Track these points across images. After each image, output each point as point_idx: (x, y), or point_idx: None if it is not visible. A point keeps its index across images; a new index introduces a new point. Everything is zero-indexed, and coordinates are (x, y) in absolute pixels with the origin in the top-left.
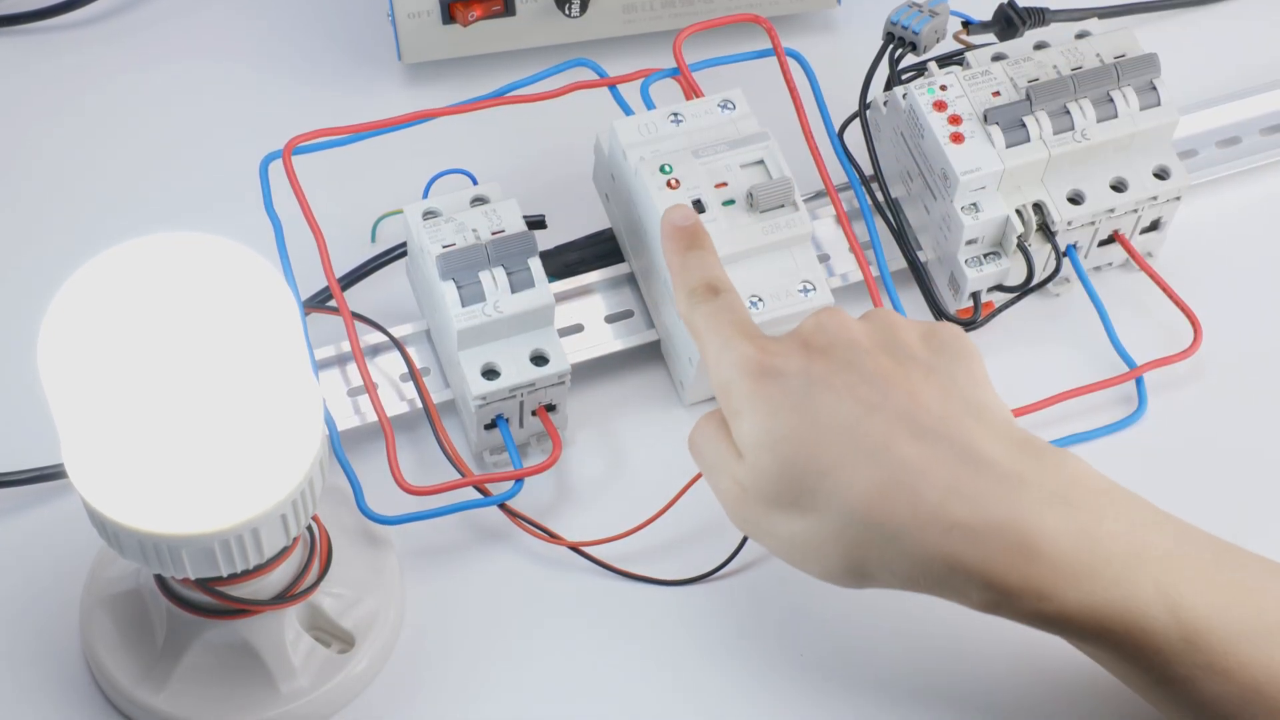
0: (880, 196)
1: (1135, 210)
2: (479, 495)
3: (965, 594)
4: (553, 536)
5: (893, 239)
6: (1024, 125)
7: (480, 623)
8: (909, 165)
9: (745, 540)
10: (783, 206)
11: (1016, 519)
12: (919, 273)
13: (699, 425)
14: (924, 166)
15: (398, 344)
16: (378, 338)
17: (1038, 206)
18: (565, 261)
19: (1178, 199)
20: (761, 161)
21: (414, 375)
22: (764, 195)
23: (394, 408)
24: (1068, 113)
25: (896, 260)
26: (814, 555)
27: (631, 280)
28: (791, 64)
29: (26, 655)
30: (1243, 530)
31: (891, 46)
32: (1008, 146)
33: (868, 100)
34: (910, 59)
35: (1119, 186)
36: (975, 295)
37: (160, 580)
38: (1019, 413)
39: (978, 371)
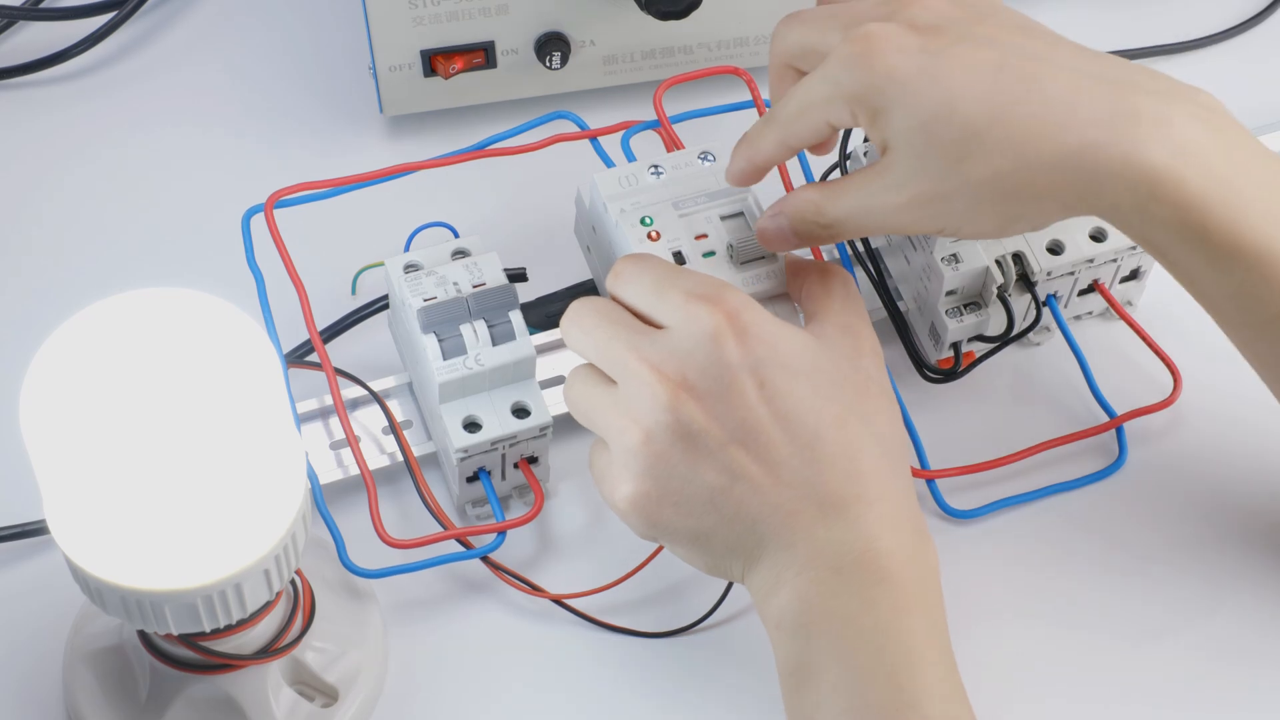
0: (860, 247)
1: (1115, 259)
2: (461, 548)
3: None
4: (535, 589)
5: (873, 289)
6: None
7: (463, 675)
8: None
9: (728, 592)
10: (763, 259)
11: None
12: (900, 322)
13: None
14: None
15: (379, 399)
16: (360, 390)
17: (1017, 257)
18: (547, 313)
19: None
20: (741, 214)
21: (395, 429)
22: (744, 248)
23: (376, 461)
24: None
25: (877, 310)
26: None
27: None
28: None
29: (9, 710)
30: (1220, 579)
31: None
32: None
33: (848, 151)
34: None
35: (1098, 236)
36: (956, 345)
37: (143, 635)
38: (999, 463)
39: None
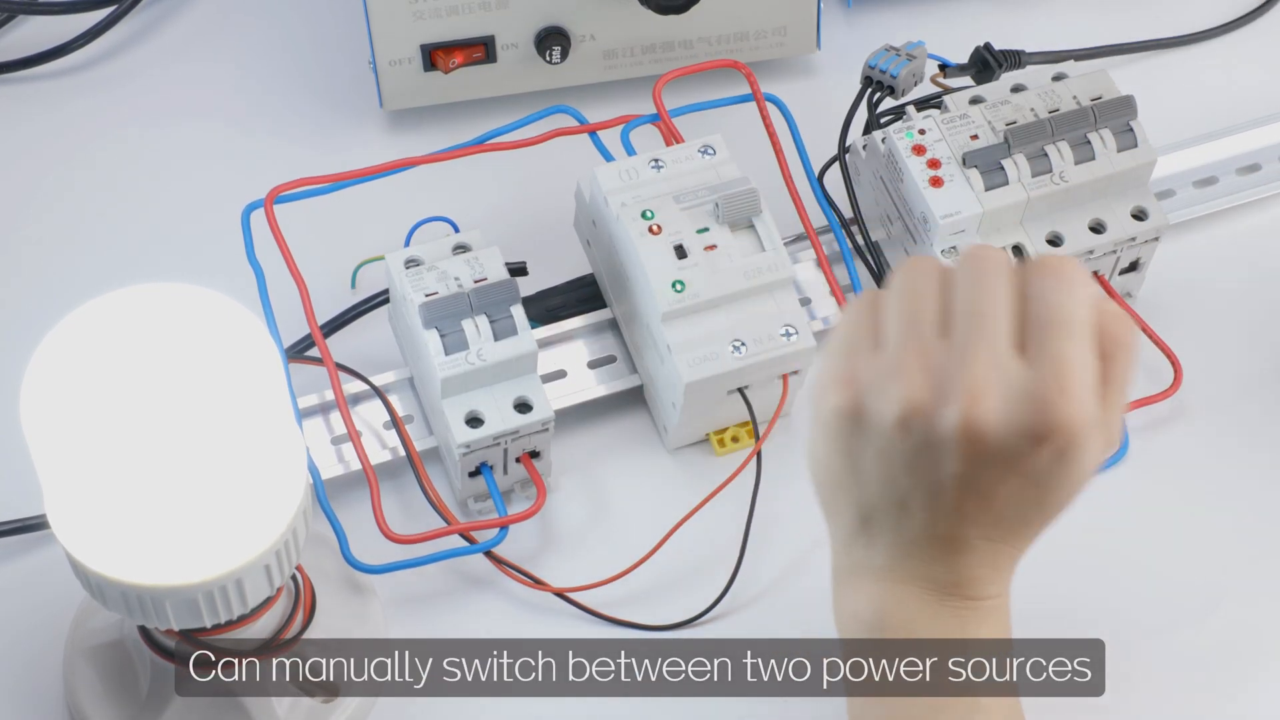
0: (860, 239)
1: (1114, 251)
2: (464, 543)
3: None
4: (538, 583)
5: (874, 282)
6: (1002, 168)
7: (464, 670)
8: (889, 208)
9: (729, 586)
10: (764, 250)
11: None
12: None
13: None
14: (903, 210)
15: (380, 394)
16: (361, 385)
17: (1017, 249)
18: (547, 306)
19: (1156, 239)
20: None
21: (397, 424)
22: (730, 207)
23: (378, 456)
24: (1045, 155)
25: None
26: None
27: (613, 326)
28: (771, 109)
29: (9, 707)
30: (1223, 570)
31: (870, 90)
32: (986, 189)
33: (847, 144)
34: (889, 103)
35: (1097, 228)
36: None
37: (144, 630)
38: None
39: None
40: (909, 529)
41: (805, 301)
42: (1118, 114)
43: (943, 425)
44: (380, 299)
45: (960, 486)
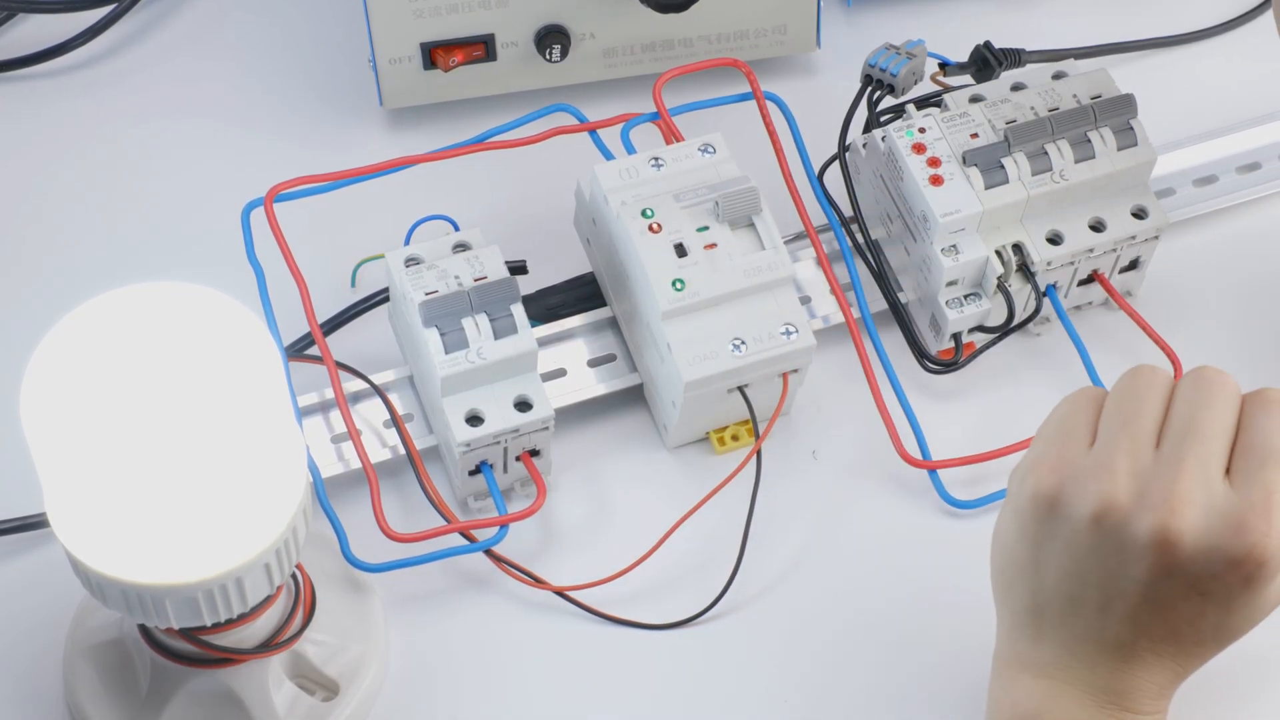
0: (860, 238)
1: (1114, 250)
2: (464, 541)
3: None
4: (538, 581)
5: (873, 280)
6: (1002, 167)
7: (465, 669)
8: (889, 207)
9: (729, 585)
10: (763, 249)
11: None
12: (900, 314)
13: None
14: (903, 208)
15: (380, 392)
16: (361, 383)
17: (1017, 247)
18: (547, 305)
19: (1156, 238)
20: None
21: (397, 422)
22: (730, 205)
23: (378, 454)
24: (1045, 154)
25: (878, 302)
26: None
27: (613, 324)
28: (771, 107)
29: (8, 705)
30: None
31: (870, 89)
32: (986, 188)
33: (847, 143)
34: (889, 101)
35: (1097, 226)
36: (956, 336)
37: (144, 629)
38: (1000, 454)
39: None
40: (1079, 628)
41: (805, 300)
42: (1118, 112)
43: (1137, 529)
44: (380, 297)
45: (1140, 594)
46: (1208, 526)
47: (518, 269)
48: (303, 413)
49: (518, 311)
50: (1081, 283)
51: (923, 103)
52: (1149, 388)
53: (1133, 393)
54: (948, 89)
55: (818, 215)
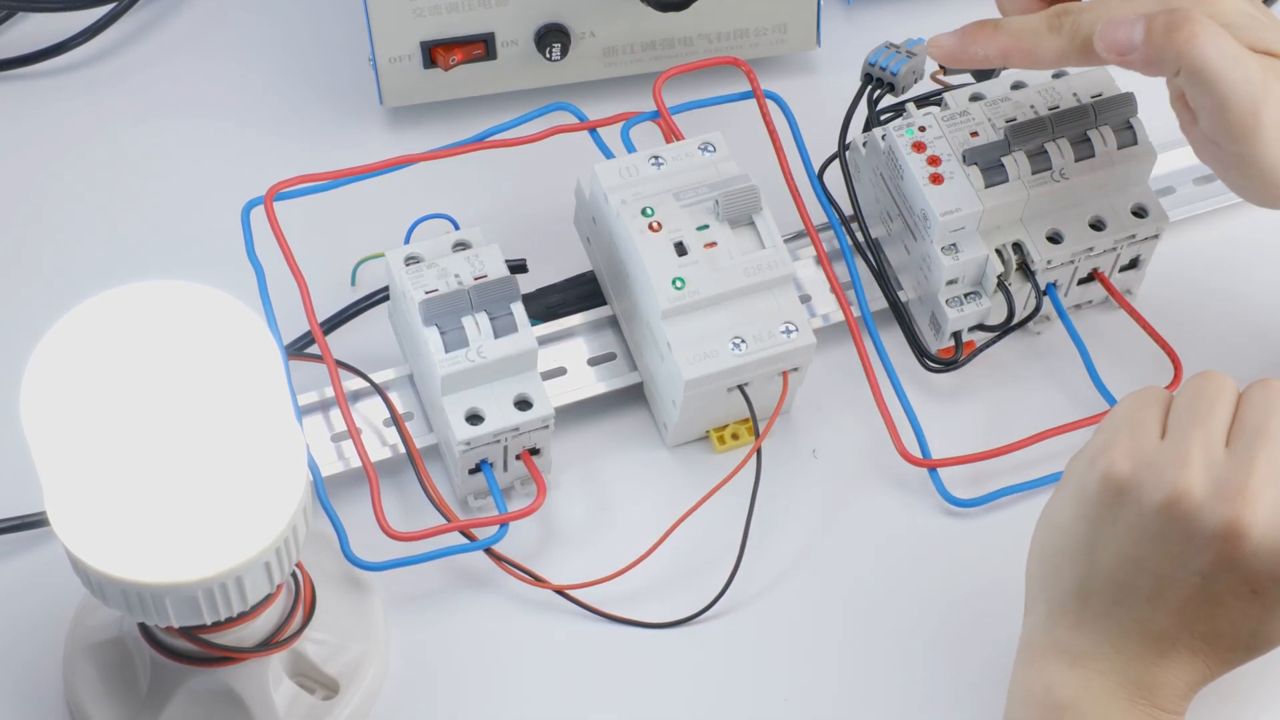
0: (860, 237)
1: (1114, 248)
2: (464, 540)
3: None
4: (538, 580)
5: (873, 279)
6: (1002, 165)
7: (465, 668)
8: (889, 206)
9: (730, 583)
10: (764, 247)
11: None
12: (900, 313)
13: None
14: (903, 207)
15: (380, 391)
16: (361, 382)
17: (1017, 246)
18: (547, 304)
19: (1156, 236)
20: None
21: (397, 421)
22: (730, 204)
23: (378, 453)
24: (1045, 152)
25: (877, 300)
26: None
27: (613, 323)
28: (771, 106)
29: (9, 704)
30: None
31: (870, 88)
32: (986, 187)
33: (847, 141)
34: (889, 100)
35: (1098, 225)
36: (956, 335)
37: (144, 628)
38: (1000, 452)
39: None
40: (1123, 616)
41: (805, 299)
42: (1118, 111)
43: (1208, 519)
44: (380, 296)
45: (1196, 585)
46: (1276, 525)
47: (518, 268)
48: (303, 411)
49: (518, 310)
50: (1081, 281)
51: (923, 101)
52: (1219, 391)
53: (1204, 393)
54: (948, 87)
55: (818, 214)
